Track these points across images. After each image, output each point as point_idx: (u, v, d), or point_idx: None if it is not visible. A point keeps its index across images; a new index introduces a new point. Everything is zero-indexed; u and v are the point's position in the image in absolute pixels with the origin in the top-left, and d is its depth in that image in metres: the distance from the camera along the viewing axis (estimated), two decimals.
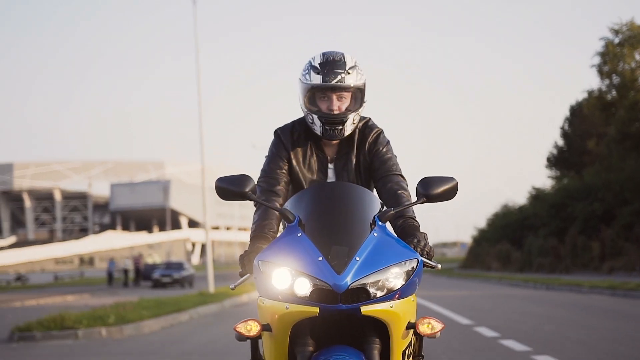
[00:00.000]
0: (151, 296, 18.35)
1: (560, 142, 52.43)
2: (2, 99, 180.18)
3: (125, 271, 36.41)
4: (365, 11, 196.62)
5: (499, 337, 8.53)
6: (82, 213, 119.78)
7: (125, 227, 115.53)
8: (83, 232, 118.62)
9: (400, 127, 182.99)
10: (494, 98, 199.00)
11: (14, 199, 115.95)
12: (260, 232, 2.77)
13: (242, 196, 2.62)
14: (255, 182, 2.74)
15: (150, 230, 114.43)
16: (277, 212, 2.75)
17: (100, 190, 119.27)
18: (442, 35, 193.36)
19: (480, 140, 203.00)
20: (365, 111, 2.96)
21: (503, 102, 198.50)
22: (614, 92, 37.38)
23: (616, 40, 36.57)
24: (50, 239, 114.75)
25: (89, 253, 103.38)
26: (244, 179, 2.64)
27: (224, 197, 2.66)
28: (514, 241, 45.81)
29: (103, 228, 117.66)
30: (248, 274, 2.68)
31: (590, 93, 38.32)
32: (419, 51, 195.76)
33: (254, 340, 2.58)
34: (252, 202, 2.71)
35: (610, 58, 36.48)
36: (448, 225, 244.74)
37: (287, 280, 2.36)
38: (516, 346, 7.64)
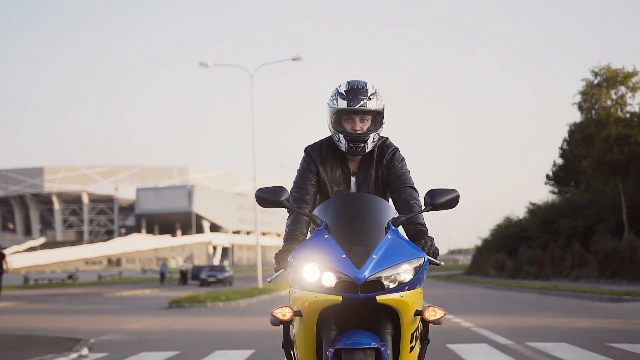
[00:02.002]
0: (204, 292, 26.08)
1: (559, 161, 60.09)
2: (35, 105, 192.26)
3: (181, 271, 45.30)
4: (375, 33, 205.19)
5: None
6: (108, 216, 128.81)
7: (150, 230, 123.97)
8: (109, 234, 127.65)
9: (419, 142, 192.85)
10: (509, 118, 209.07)
11: (43, 201, 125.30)
12: (292, 234, 3.37)
13: (278, 204, 3.22)
14: (289, 192, 3.32)
15: (173, 233, 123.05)
16: (306, 218, 3.33)
17: (126, 194, 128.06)
18: (455, 58, 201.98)
19: (494, 154, 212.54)
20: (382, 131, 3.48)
21: (517, 122, 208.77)
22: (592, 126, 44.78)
23: (595, 82, 43.96)
24: (78, 240, 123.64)
25: (117, 254, 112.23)
26: (280, 189, 3.24)
27: (263, 204, 3.26)
28: (512, 251, 52.99)
29: (128, 230, 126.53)
30: (282, 269, 3.27)
31: (572, 126, 46.28)
32: (431, 66, 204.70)
33: (286, 325, 3.14)
34: (286, 208, 3.29)
35: (589, 97, 43.92)
36: (463, 233, 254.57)
37: (316, 274, 2.89)
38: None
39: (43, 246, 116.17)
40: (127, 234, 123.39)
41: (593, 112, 44.24)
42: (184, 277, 44.40)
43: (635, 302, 16.66)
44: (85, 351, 8.38)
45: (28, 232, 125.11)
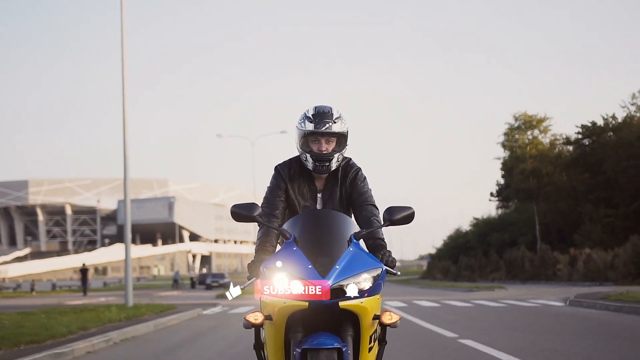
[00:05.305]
0: (211, 294, 40.60)
1: (501, 181, 74.89)
2: (20, 120, 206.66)
3: (192, 278, 60.50)
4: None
5: None
6: (91, 226, 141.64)
7: (132, 240, 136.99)
8: (91, 244, 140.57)
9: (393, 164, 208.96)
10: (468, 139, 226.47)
11: (28, 213, 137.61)
12: (262, 246, 3.88)
13: (252, 219, 3.73)
14: (260, 208, 3.85)
15: (154, 242, 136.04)
16: (276, 231, 3.86)
17: (108, 205, 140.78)
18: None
19: (459, 165, 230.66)
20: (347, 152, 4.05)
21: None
22: (512, 161, 59.50)
23: (515, 125, 58.72)
24: (62, 250, 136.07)
25: (102, 263, 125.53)
26: (253, 206, 3.75)
27: (237, 219, 3.78)
28: (457, 259, 66.16)
29: (111, 240, 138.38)
30: (254, 278, 3.71)
31: (499, 159, 61.63)
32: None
33: (257, 328, 3.67)
34: (258, 223, 3.83)
35: (509, 138, 58.71)
36: (431, 240, 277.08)
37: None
38: None
39: (30, 256, 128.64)
40: (110, 244, 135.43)
41: (513, 149, 58.81)
42: (192, 283, 59.92)
43: (478, 292, 32.05)
44: (220, 307, 23.69)
45: (13, 243, 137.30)
